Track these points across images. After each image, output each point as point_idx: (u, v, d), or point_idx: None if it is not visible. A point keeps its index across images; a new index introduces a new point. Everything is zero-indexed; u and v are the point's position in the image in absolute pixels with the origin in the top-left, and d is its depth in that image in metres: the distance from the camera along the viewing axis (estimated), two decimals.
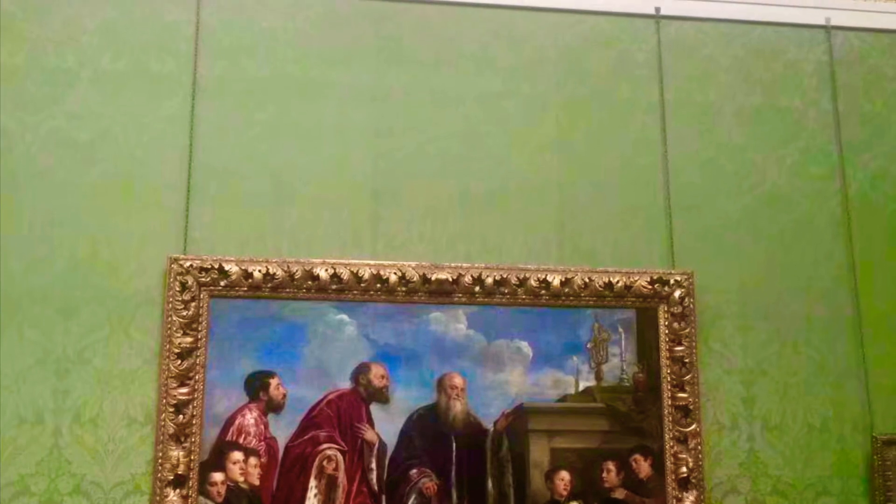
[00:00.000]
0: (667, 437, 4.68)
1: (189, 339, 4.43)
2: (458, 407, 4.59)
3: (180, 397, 4.38)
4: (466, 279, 4.68)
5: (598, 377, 4.71)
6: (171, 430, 4.35)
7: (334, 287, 4.59)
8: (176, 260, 4.51)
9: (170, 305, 4.46)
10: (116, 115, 4.71)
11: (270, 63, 4.89)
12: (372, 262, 4.65)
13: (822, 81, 5.32)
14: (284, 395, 4.47)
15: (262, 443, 4.42)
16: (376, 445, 4.50)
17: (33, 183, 4.57)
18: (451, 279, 4.67)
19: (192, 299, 4.48)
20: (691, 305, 4.81)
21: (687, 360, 4.75)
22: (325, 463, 4.46)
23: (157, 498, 4.31)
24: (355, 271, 4.61)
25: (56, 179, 4.59)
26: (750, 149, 5.16)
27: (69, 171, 4.61)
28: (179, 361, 4.41)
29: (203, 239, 4.62)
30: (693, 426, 4.69)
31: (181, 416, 4.37)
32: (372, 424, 4.52)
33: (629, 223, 4.98)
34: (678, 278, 4.82)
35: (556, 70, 5.12)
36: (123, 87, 4.75)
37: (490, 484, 4.56)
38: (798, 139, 5.22)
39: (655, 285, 4.80)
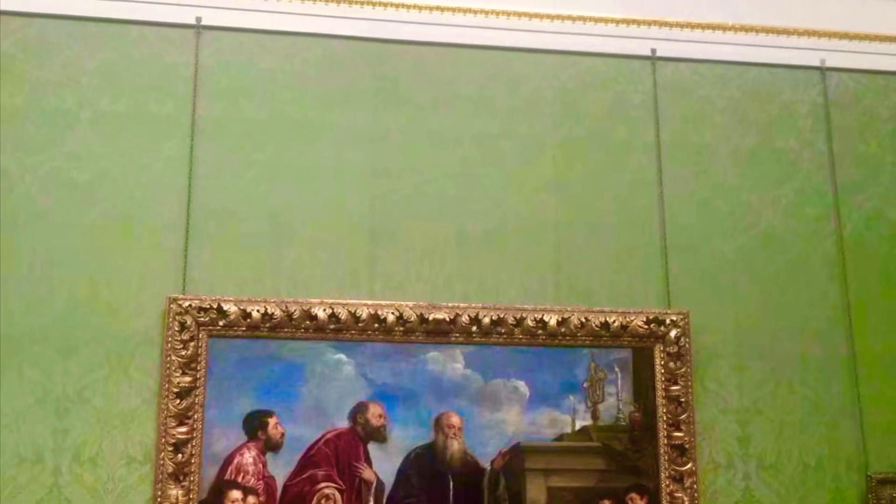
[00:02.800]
0: (663, 475, 4.93)
1: (188, 379, 4.69)
2: (455, 446, 4.84)
3: (179, 436, 4.64)
4: (464, 319, 4.95)
5: (595, 416, 4.97)
6: (171, 469, 4.60)
7: (332, 327, 4.86)
8: (175, 300, 4.77)
9: (169, 345, 4.72)
10: (115, 156, 4.97)
11: (269, 104, 5.18)
12: (369, 302, 4.92)
13: (816, 122, 5.62)
14: (283, 434, 4.72)
15: (261, 482, 4.67)
16: (374, 484, 4.76)
17: (33, 223, 4.83)
18: (448, 319, 4.94)
19: (191, 339, 4.74)
20: (687, 345, 5.08)
21: (683, 400, 5.01)
22: (323, 502, 4.71)
23: None
24: (353, 311, 4.88)
25: (55, 220, 4.85)
26: (745, 189, 5.45)
27: (69, 211, 4.87)
28: (178, 401, 4.67)
29: (202, 279, 4.89)
30: (689, 465, 4.96)
31: (180, 455, 4.62)
32: (370, 463, 4.77)
33: (625, 263, 5.25)
34: (674, 318, 5.10)
35: (552, 111, 5.41)
36: (122, 128, 5.02)
37: None
38: (793, 180, 5.52)
39: (651, 325, 5.07)
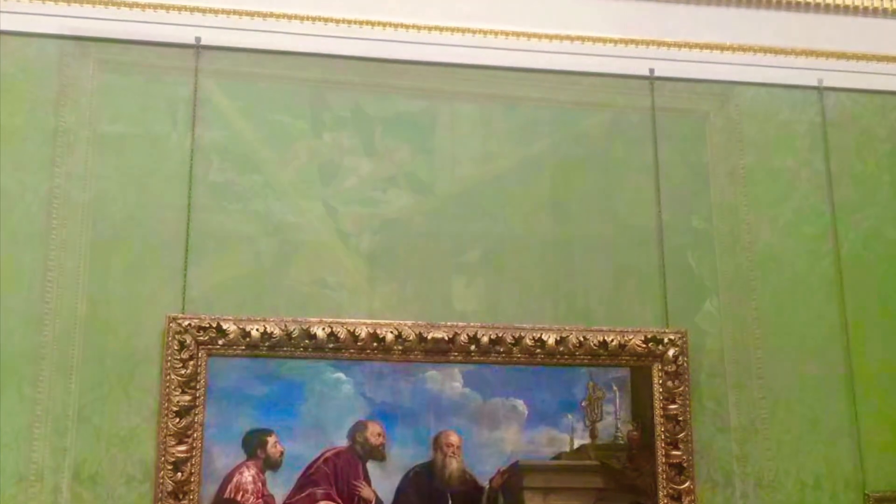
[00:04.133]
0: (661, 494, 5.04)
1: (187, 398, 4.80)
2: (453, 465, 4.94)
3: (179, 455, 4.74)
4: (462, 338, 5.06)
5: (593, 435, 5.07)
6: (170, 488, 4.70)
7: (331, 346, 4.96)
8: (174, 319, 4.88)
9: (168, 364, 4.82)
10: (116, 175, 5.07)
11: (268, 124, 5.29)
12: (368, 321, 5.03)
13: (814, 142, 5.73)
14: (282, 453, 4.82)
15: (260, 500, 4.76)
16: (373, 503, 4.87)
17: (32, 242, 4.92)
18: (446, 338, 5.05)
19: (191, 358, 4.84)
20: (685, 364, 5.19)
21: (681, 418, 5.12)
22: None
23: None
24: (352, 330, 4.99)
25: (55, 239, 4.94)
26: (743, 209, 5.57)
27: (68, 231, 4.96)
28: (178, 419, 4.77)
29: (201, 298, 4.99)
30: (687, 484, 5.06)
31: (179, 474, 4.72)
32: (369, 482, 4.88)
33: (623, 282, 5.37)
34: (672, 337, 5.21)
35: (550, 131, 5.53)
36: (122, 148, 5.12)
37: None
38: (791, 199, 5.63)
39: (649, 344, 5.18)
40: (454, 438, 4.98)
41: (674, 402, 5.14)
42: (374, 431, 4.93)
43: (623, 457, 5.09)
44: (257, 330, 4.92)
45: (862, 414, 5.35)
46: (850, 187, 5.71)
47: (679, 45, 5.71)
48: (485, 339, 5.08)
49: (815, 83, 5.81)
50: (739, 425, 5.26)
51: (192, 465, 4.75)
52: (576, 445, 5.07)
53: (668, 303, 5.35)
